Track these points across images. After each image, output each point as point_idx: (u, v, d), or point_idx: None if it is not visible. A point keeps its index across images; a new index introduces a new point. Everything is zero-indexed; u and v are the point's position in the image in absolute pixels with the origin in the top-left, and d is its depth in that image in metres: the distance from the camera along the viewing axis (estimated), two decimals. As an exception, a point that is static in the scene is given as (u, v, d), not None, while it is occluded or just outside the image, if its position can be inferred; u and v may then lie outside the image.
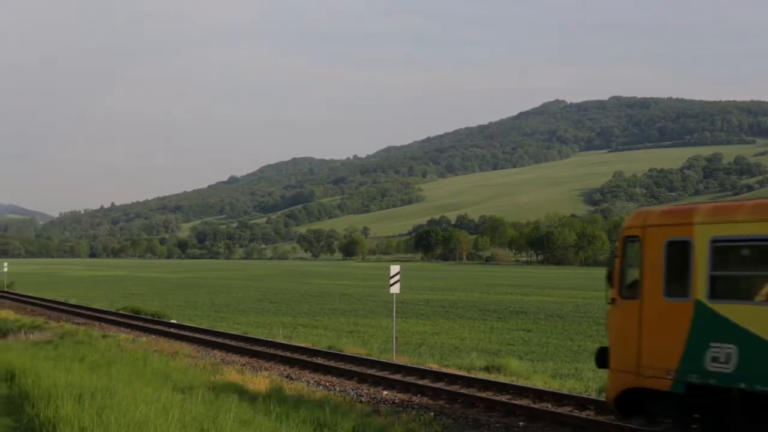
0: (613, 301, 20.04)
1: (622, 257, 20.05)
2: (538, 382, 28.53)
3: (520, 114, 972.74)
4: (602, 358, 20.34)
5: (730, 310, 17.04)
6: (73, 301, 75.71)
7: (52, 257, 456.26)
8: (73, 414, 16.68)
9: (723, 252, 17.60)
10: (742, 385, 16.69)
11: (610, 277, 20.37)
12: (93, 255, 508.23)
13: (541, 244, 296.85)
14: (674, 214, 19.34)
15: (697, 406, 17.98)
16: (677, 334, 18.10)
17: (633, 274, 19.62)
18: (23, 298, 77.38)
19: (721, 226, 17.60)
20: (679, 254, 18.23)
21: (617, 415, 20.16)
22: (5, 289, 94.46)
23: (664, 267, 18.59)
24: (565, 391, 25.70)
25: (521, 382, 27.87)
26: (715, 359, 17.22)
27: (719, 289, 17.42)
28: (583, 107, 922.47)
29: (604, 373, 22.50)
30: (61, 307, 66.59)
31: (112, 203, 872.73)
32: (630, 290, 19.62)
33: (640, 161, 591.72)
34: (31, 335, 44.54)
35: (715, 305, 17.26)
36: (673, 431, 19.21)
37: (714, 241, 17.47)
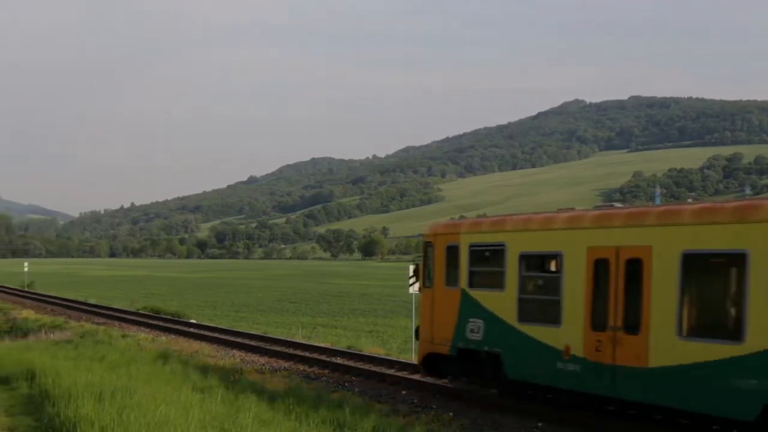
0: (420, 290, 28.05)
1: (425, 257, 27.60)
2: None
3: (540, 114, 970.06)
4: (417, 333, 28.12)
5: (479, 295, 24.85)
6: (93, 301, 75.96)
7: (73, 257, 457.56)
8: (93, 413, 16.75)
9: (475, 254, 25.40)
10: (486, 348, 24.39)
11: (416, 272, 29.35)
12: (113, 255, 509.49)
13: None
14: (451, 226, 27.63)
15: (464, 364, 25.63)
16: (451, 314, 25.73)
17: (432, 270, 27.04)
18: (44, 298, 77.65)
19: (474, 235, 25.64)
20: (452, 255, 25.89)
21: (423, 372, 28.00)
22: (26, 289, 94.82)
23: (444, 264, 26.31)
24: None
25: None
26: (471, 331, 24.96)
27: (473, 280, 25.20)
28: (602, 107, 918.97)
29: None
30: (82, 306, 66.78)
31: (132, 203, 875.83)
32: (428, 281, 27.21)
33: (659, 161, 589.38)
34: (52, 335, 44.67)
35: (471, 291, 25.08)
36: (453, 382, 26.91)
37: (471, 245, 25.41)
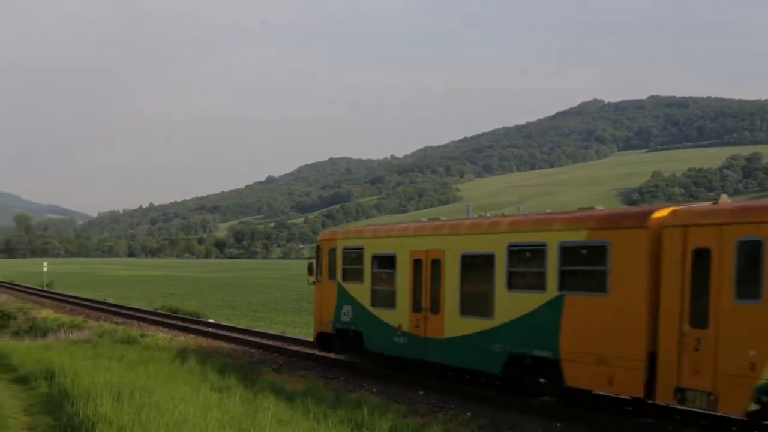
0: (313, 283, 35.10)
1: (316, 258, 34.93)
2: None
3: (558, 114, 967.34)
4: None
5: (349, 287, 32.11)
6: (111, 301, 76.22)
7: (91, 257, 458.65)
8: (112, 413, 16.81)
9: (346, 255, 32.72)
10: (353, 327, 31.78)
11: (310, 269, 35.44)
12: (131, 254, 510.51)
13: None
14: (331, 233, 36.62)
15: (342, 340, 32.90)
16: (332, 302, 33.03)
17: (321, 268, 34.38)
18: (63, 298, 77.92)
19: (347, 241, 33.25)
20: (332, 257, 33.34)
21: (318, 348, 35.18)
22: (45, 289, 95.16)
23: (327, 263, 33.70)
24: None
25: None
26: (344, 314, 32.23)
27: (345, 275, 32.56)
28: (621, 107, 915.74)
29: None
30: (100, 306, 67.02)
31: (151, 203, 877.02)
32: (319, 277, 34.47)
33: (678, 161, 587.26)
34: (71, 334, 44.86)
35: (344, 284, 32.40)
36: (336, 354, 34.30)
37: (344, 249, 32.84)
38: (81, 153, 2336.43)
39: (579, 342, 22.34)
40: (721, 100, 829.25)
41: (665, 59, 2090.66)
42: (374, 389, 27.10)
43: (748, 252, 18.46)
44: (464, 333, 26.18)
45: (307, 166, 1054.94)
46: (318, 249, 35.13)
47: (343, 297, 32.45)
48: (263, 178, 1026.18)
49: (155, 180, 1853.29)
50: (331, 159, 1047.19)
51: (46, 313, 60.00)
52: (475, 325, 25.81)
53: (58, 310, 63.54)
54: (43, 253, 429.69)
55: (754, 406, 18.24)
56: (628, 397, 22.81)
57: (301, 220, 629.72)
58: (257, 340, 41.00)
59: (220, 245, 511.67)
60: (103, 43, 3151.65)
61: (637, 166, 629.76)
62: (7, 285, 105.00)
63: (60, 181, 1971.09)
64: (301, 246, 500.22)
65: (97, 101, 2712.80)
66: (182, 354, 32.63)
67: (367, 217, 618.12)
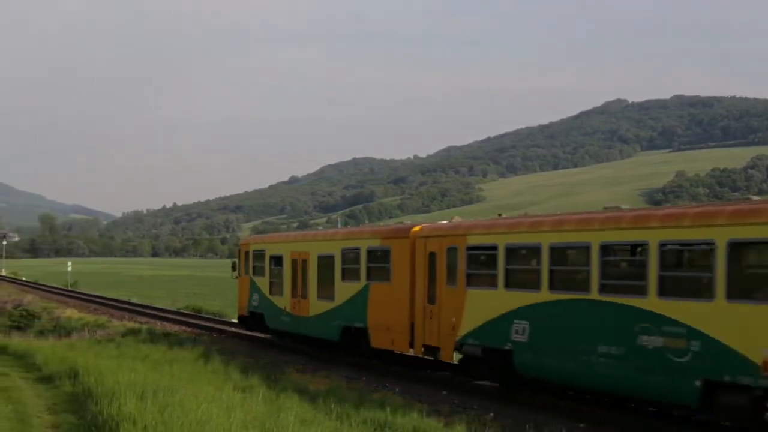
0: (236, 278, 46.12)
1: (238, 258, 45.74)
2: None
3: (581, 113, 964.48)
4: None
5: (256, 280, 42.00)
6: (135, 300, 76.46)
7: (115, 256, 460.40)
8: (135, 412, 16.84)
9: (255, 255, 43.05)
10: (259, 311, 41.36)
11: (233, 267, 47.19)
12: (155, 254, 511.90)
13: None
14: (246, 240, 49.33)
15: (254, 321, 42.40)
16: (247, 291, 43.18)
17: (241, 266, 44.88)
18: (87, 297, 78.24)
19: (254, 245, 44.94)
20: (246, 257, 44.08)
21: (241, 327, 45.12)
22: (69, 288, 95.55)
23: (244, 262, 44.41)
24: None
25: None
26: (254, 301, 41.87)
27: (254, 271, 42.71)
28: (644, 106, 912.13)
29: None
30: (124, 306, 67.26)
31: (174, 203, 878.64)
32: (240, 273, 45.00)
33: (702, 161, 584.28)
34: (95, 334, 45.04)
35: (254, 278, 42.45)
36: (251, 331, 43.30)
37: (254, 251, 43.56)
38: (105, 154, 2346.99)
39: (377, 316, 32.17)
40: (746, 99, 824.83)
41: (689, 58, 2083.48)
42: (397, 389, 27.10)
43: (452, 256, 27.92)
44: (320, 312, 36.30)
45: (330, 166, 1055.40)
46: (238, 251, 46.50)
47: (253, 287, 42.84)
48: (286, 178, 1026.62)
49: (178, 180, 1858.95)
50: (354, 159, 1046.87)
51: (70, 313, 60.26)
52: (325, 306, 35.84)
53: (82, 309, 63.81)
54: (68, 252, 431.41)
55: (457, 355, 28.45)
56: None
57: (324, 220, 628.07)
58: (280, 340, 41.08)
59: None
60: (126, 46, 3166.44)
61: (660, 166, 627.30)
62: (32, 285, 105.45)
63: (84, 181, 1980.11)
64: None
65: (122, 103, 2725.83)
66: (206, 354, 32.73)
67: (390, 218, 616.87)
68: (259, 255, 42.65)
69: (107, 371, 24.03)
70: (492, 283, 26.11)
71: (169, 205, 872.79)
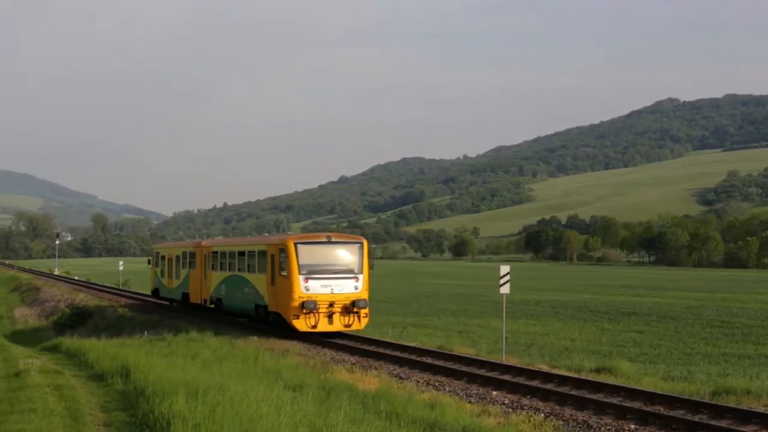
0: (150, 268, 69.72)
1: (152, 257, 69.57)
2: (650, 385, 28.11)
3: (632, 113, 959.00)
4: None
5: (156, 269, 67.08)
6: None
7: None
8: (186, 410, 16.93)
9: (156, 254, 68.57)
10: (158, 287, 66.90)
11: (149, 262, 70.13)
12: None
13: (653, 244, 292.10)
14: (155, 246, 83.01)
15: (157, 293, 67.68)
16: (153, 276, 68.87)
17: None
18: (138, 296, 78.75)
19: (156, 248, 73.86)
20: (155, 254, 69.29)
21: (153, 297, 70.12)
22: (121, 287, 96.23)
23: (154, 258, 68.98)
24: (677, 394, 25.28)
25: (632, 385, 27.47)
26: (156, 281, 67.13)
27: (156, 264, 67.30)
28: (696, 105, 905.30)
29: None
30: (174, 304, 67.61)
31: (225, 203, 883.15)
32: (152, 264, 68.87)
33: (755, 160, 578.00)
34: (146, 332, 45.31)
35: (156, 268, 67.34)
36: (156, 299, 68.37)
37: (156, 252, 69.50)
38: (157, 154, 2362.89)
39: (192, 286, 55.81)
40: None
41: (743, 56, 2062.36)
42: (446, 389, 27.05)
43: (209, 256, 52.08)
44: (174, 286, 60.85)
45: (379, 165, 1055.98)
46: (153, 252, 71.68)
47: (156, 274, 67.26)
48: (336, 178, 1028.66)
49: (229, 180, 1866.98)
50: (404, 159, 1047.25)
51: (122, 312, 60.81)
52: (176, 282, 60.32)
53: (134, 308, 64.35)
54: (119, 252, 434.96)
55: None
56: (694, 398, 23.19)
57: (374, 219, 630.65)
58: (329, 339, 41.03)
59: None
60: (178, 48, 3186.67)
61: (712, 166, 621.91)
62: (84, 284, 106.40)
63: (136, 181, 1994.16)
64: (374, 246, 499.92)
65: (175, 104, 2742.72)
66: (256, 353, 32.80)
67: (439, 217, 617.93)
68: (157, 254, 67.96)
69: (158, 369, 24.20)
70: (215, 268, 51.53)
71: (219, 205, 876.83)
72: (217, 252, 50.67)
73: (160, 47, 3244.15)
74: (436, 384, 28.29)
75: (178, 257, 58.89)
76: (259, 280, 43.04)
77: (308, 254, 39.19)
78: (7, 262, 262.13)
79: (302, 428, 16.83)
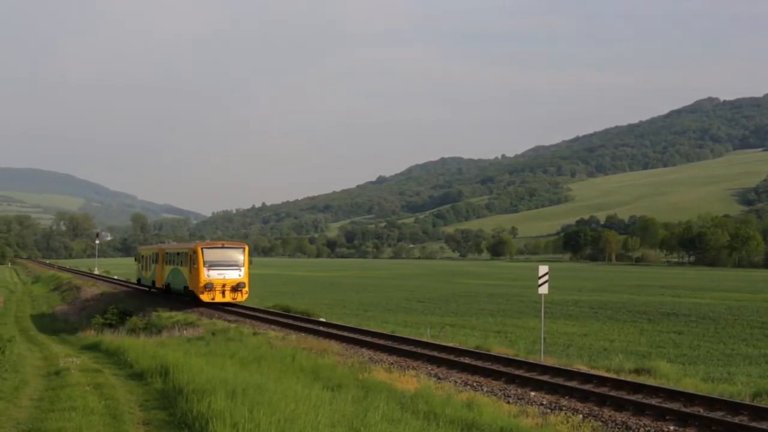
0: (135, 263, 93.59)
1: (137, 255, 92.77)
2: (690, 386, 27.94)
3: (672, 112, 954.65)
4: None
5: (138, 264, 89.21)
6: (224, 299, 77.03)
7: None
8: (225, 409, 16.98)
9: (138, 255, 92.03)
10: (140, 277, 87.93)
11: (135, 258, 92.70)
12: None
13: (693, 244, 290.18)
14: (139, 249, 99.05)
15: (139, 282, 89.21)
16: (137, 270, 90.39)
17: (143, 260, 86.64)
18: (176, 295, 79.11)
19: (139, 249, 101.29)
20: (138, 255, 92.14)
21: (137, 285, 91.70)
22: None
23: (138, 257, 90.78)
24: (716, 396, 25.11)
25: (672, 386, 27.30)
26: (138, 273, 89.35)
27: (139, 261, 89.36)
28: (737, 104, 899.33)
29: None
30: (153, 290, 69.27)
31: (263, 203, 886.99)
32: (138, 261, 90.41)
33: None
34: (185, 332, 45.48)
35: (138, 264, 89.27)
36: (138, 286, 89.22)
37: (139, 252, 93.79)
38: (196, 155, 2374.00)
39: (156, 277, 75.22)
40: None
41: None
42: (484, 389, 27.00)
43: (165, 256, 72.11)
44: (148, 276, 79.26)
45: (417, 165, 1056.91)
46: (137, 253, 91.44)
47: (138, 268, 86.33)
48: (374, 178, 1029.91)
49: (268, 180, 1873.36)
50: (442, 159, 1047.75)
51: (160, 311, 60.96)
52: (150, 274, 77.78)
53: (172, 307, 64.52)
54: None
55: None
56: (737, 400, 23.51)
57: (412, 219, 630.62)
58: (368, 339, 41.00)
59: (332, 245, 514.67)
60: (218, 49, 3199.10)
61: (753, 165, 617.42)
62: (124, 283, 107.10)
63: (175, 182, 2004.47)
64: (412, 246, 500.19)
65: (214, 105, 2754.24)
66: (294, 352, 32.85)
67: (477, 217, 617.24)
68: (139, 254, 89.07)
69: (197, 369, 24.29)
70: (167, 263, 69.76)
71: (258, 205, 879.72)
72: (167, 253, 71.42)
73: (195, 52, 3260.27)
74: (474, 384, 28.25)
75: (150, 256, 79.64)
76: (185, 271, 63.31)
77: (210, 254, 59.70)
78: (47, 261, 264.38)
79: (340, 428, 16.84)
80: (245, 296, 61.03)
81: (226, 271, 59.77)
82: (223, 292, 59.52)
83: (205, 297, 58.97)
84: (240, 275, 60.27)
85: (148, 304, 67.15)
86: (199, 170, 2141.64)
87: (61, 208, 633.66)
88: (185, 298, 64.68)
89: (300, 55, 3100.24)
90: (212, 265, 59.29)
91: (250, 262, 62.99)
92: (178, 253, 67.31)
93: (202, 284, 58.86)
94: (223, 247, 61.76)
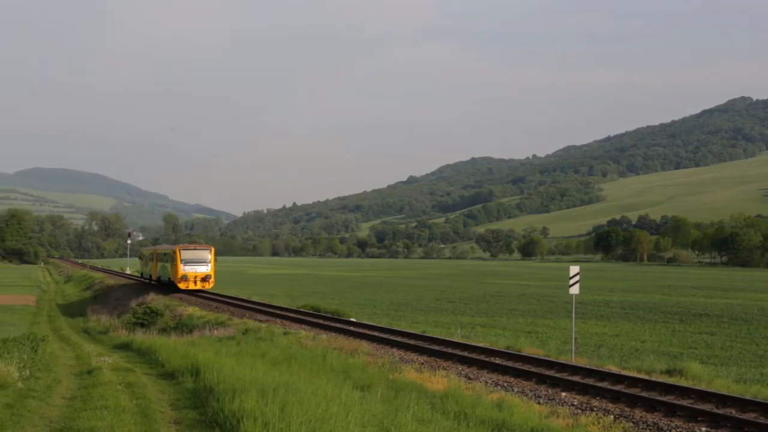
0: (140, 261, 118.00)
1: (141, 255, 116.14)
2: (722, 387, 27.80)
3: (704, 112, 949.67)
4: (147, 275, 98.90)
5: (140, 262, 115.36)
6: (255, 299, 77.17)
7: (236, 255, 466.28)
8: (256, 408, 17.01)
9: (141, 254, 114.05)
10: (142, 272, 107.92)
11: (139, 257, 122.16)
12: (275, 253, 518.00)
13: (726, 245, 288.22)
14: (142, 249, 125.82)
15: (142, 275, 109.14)
16: (140, 265, 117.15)
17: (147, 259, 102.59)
18: (207, 295, 79.28)
19: (141, 249, 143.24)
20: (141, 255, 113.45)
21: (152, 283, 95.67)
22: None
23: (141, 255, 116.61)
24: (749, 397, 24.98)
25: (704, 387, 27.18)
26: (144, 270, 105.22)
27: (141, 258, 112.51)
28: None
29: None
30: (244, 304, 67.85)
31: (294, 203, 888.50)
32: (140, 259, 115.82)
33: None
34: (216, 331, 45.61)
35: (141, 261, 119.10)
36: (146, 281, 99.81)
37: (141, 252, 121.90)
38: (227, 155, 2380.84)
39: (156, 272, 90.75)
40: None
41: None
42: (515, 389, 26.95)
43: (159, 255, 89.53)
44: (147, 271, 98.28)
45: (448, 165, 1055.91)
46: (140, 252, 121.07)
47: (141, 264, 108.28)
48: (405, 178, 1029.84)
49: (299, 180, 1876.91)
50: (473, 159, 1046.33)
51: (191, 310, 61.07)
52: (148, 269, 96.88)
53: (204, 307, 64.62)
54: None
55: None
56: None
57: (442, 219, 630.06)
58: (398, 339, 41.02)
59: (362, 245, 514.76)
60: (247, 50, 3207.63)
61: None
62: (135, 277, 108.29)
63: (207, 182, 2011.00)
64: (442, 246, 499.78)
65: (244, 106, 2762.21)
66: (324, 352, 32.88)
67: (508, 217, 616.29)
68: (141, 254, 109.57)
69: (228, 368, 24.34)
70: (159, 261, 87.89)
71: (288, 204, 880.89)
72: (159, 253, 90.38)
73: (224, 56, 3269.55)
74: (505, 384, 28.20)
75: (148, 255, 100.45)
76: (169, 266, 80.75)
77: (185, 254, 77.03)
78: (80, 261, 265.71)
79: (371, 428, 16.85)
80: (212, 284, 78.27)
81: (197, 267, 77.02)
82: (195, 282, 76.65)
83: (182, 285, 76.18)
84: (207, 269, 77.52)
85: (144, 292, 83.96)
86: (230, 171, 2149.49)
87: (93, 208, 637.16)
88: (170, 287, 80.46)
89: (331, 57, 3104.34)
90: (187, 262, 76.85)
91: (216, 260, 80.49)
92: (165, 253, 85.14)
93: (179, 276, 76.15)
94: (195, 249, 79.69)
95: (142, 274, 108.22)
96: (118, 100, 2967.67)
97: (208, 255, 78.48)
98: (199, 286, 77.08)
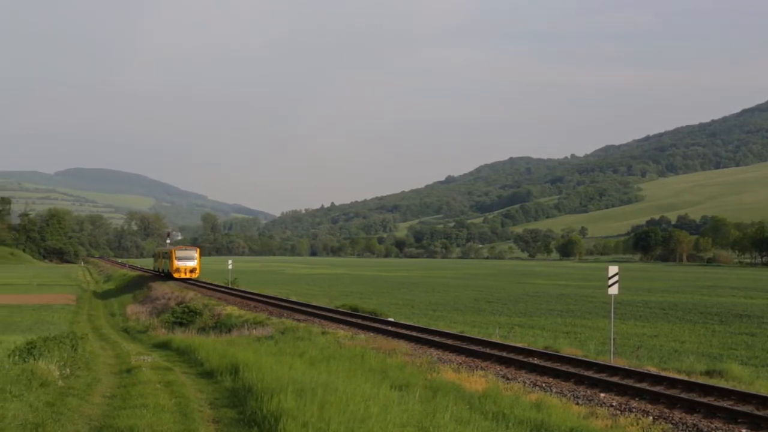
0: (154, 260, 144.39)
1: (155, 253, 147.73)
2: (763, 389, 27.58)
3: (744, 111, 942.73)
4: (157, 269, 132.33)
5: (156, 259, 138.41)
6: (293, 298, 77.33)
7: (274, 255, 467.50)
8: (295, 408, 17.03)
9: (154, 252, 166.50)
10: (154, 267, 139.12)
11: (153, 256, 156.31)
12: (313, 253, 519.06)
13: (766, 245, 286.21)
14: (157, 249, 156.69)
15: (155, 270, 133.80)
16: (152, 262, 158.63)
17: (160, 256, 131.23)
18: (246, 295, 79.52)
19: (155, 248, 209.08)
20: (156, 254, 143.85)
21: (160, 277, 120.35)
22: (230, 286, 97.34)
23: (154, 254, 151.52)
24: (791, 399, 24.75)
25: (744, 388, 26.96)
26: (156, 265, 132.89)
27: (156, 257, 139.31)
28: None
29: None
30: (282, 303, 67.96)
31: (332, 203, 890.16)
32: (154, 258, 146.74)
33: None
34: (254, 330, 45.72)
35: (155, 259, 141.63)
36: (162, 276, 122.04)
37: (154, 251, 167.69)
38: (265, 156, 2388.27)
39: (168, 267, 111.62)
40: None
41: None
42: (553, 390, 26.87)
43: (163, 254, 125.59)
44: (159, 266, 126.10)
45: (486, 165, 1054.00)
46: (154, 251, 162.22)
47: (154, 261, 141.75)
48: (443, 178, 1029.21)
49: (337, 180, 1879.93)
50: (511, 158, 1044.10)
51: (230, 310, 61.26)
52: (160, 265, 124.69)
53: (242, 306, 64.80)
54: (228, 251, 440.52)
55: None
56: None
57: (480, 219, 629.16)
58: (436, 339, 40.95)
59: (400, 244, 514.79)
60: (284, 51, 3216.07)
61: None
62: (194, 282, 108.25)
63: (245, 182, 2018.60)
64: (480, 246, 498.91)
65: (283, 108, 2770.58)
66: (363, 352, 32.90)
67: (546, 217, 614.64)
68: (155, 252, 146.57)
69: (266, 368, 24.39)
70: (164, 258, 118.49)
71: (327, 204, 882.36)
72: (163, 252, 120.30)
73: (263, 58, 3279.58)
74: (543, 385, 28.10)
75: (160, 253, 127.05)
76: (168, 262, 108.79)
77: (178, 253, 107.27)
78: (119, 260, 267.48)
79: (410, 428, 16.85)
80: (197, 274, 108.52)
81: (187, 262, 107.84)
82: (185, 273, 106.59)
83: (176, 275, 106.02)
84: (194, 264, 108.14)
85: (151, 280, 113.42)
86: (269, 172, 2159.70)
87: (132, 208, 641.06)
88: (168, 276, 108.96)
89: (368, 57, 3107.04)
90: (179, 259, 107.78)
91: (200, 257, 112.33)
92: (166, 252, 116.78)
93: (174, 268, 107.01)
94: (185, 249, 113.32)
95: (155, 269, 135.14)
96: (156, 105, 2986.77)
97: (195, 254, 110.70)
98: (188, 275, 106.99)
